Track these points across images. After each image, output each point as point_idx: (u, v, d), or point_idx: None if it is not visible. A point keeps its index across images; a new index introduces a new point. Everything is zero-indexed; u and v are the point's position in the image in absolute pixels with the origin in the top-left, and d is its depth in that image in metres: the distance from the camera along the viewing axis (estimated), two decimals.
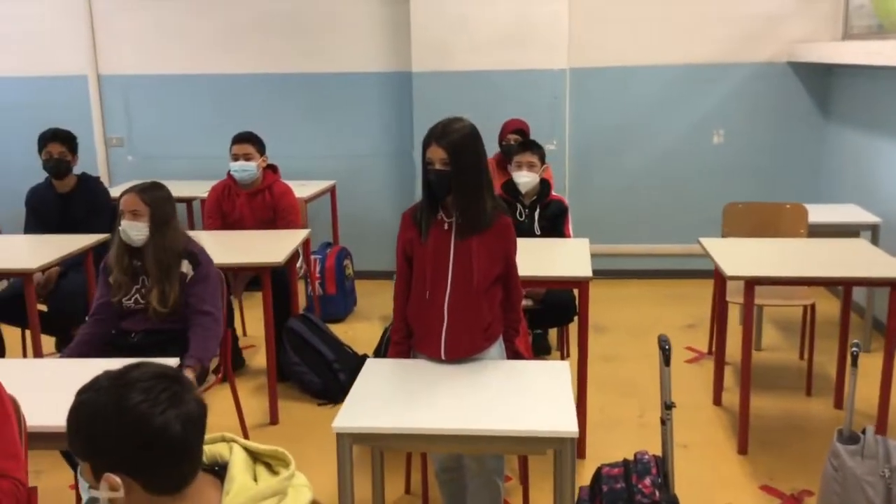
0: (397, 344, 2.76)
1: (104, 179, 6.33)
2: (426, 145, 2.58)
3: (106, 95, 6.31)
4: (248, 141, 4.51)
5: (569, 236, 4.24)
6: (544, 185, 4.24)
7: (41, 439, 2.18)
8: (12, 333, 4.30)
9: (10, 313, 4.15)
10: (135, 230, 3.16)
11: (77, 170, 4.56)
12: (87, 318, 3.28)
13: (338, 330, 4.57)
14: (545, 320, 4.19)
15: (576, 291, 3.62)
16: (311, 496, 1.46)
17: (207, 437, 1.45)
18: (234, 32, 6.05)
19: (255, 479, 1.41)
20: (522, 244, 4.00)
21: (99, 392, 1.32)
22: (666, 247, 6.04)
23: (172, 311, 3.20)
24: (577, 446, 3.56)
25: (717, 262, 3.62)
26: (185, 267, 3.23)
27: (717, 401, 4.06)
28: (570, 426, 2.13)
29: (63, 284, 4.27)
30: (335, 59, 6.06)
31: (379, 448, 2.44)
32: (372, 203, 6.18)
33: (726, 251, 3.80)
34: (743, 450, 3.57)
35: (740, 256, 3.72)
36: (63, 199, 4.49)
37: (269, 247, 4.02)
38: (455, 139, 2.55)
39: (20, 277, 3.90)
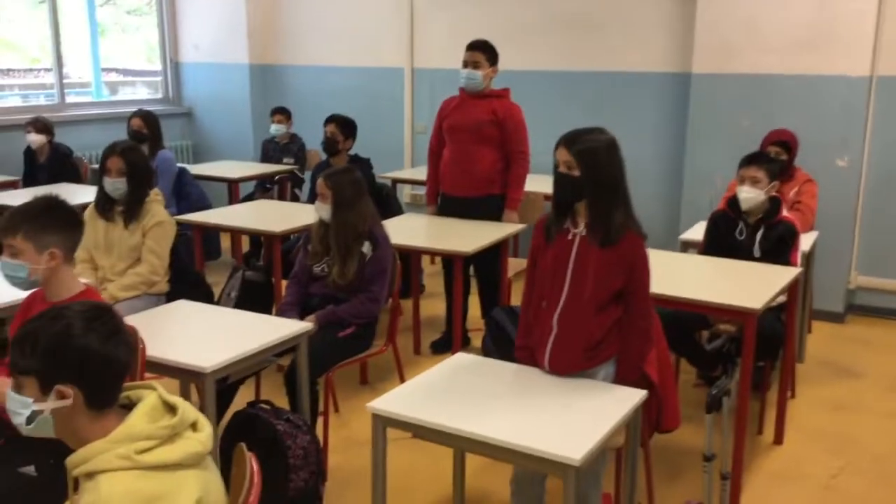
0: (518, 349, 2.76)
1: (406, 161, 7.04)
2: (556, 146, 2.54)
3: (416, 86, 6.97)
4: (478, 49, 4.43)
5: (795, 265, 3.78)
6: (774, 203, 3.84)
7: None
8: None
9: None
10: (321, 209, 3.58)
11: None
12: (289, 278, 3.79)
13: None
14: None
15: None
16: (200, 449, 1.63)
17: (138, 383, 1.72)
18: (525, 30, 6.26)
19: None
20: (728, 264, 3.74)
21: (69, 318, 1.61)
22: None
23: (349, 284, 3.56)
24: (732, 493, 3.23)
25: None
26: (366, 248, 3.56)
27: None
28: (573, 454, 2.02)
29: None
30: (615, 58, 5.99)
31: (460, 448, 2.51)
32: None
33: None
34: None
35: None
36: None
37: (466, 239, 4.13)
38: (584, 148, 2.48)
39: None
